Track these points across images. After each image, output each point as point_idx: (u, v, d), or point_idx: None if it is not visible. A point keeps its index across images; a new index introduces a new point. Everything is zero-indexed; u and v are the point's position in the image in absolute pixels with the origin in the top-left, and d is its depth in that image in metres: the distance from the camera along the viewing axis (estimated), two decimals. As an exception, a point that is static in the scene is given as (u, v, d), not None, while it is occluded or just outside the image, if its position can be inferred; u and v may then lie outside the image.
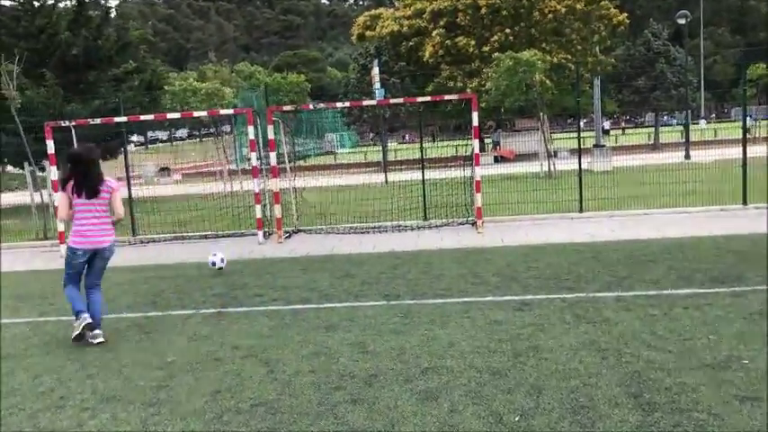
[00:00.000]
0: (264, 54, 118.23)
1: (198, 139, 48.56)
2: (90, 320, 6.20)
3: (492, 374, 4.92)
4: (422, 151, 13.09)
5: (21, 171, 18.18)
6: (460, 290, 7.47)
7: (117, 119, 12.98)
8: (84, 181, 6.19)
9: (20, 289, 9.05)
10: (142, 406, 4.70)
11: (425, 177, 13.46)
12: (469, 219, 12.42)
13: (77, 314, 6.23)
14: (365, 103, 13.05)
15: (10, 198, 22.95)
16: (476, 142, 11.55)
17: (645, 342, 5.43)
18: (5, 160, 22.21)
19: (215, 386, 5.00)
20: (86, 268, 6.34)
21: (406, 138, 55.53)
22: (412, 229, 12.24)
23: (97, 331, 6.22)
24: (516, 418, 4.21)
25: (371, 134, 55.50)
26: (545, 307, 6.60)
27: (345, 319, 6.57)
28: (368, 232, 12.27)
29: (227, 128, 28.35)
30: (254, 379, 5.09)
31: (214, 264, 9.18)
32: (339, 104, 14.74)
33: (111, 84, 21.61)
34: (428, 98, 12.28)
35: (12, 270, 10.78)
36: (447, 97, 12.14)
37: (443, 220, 12.66)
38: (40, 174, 14.97)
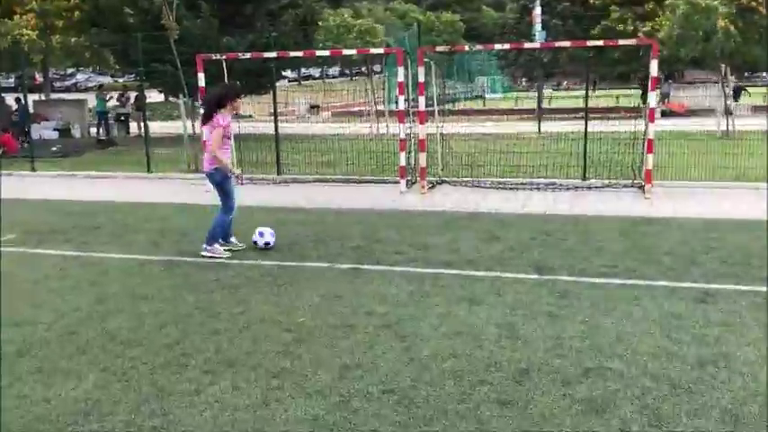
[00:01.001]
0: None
1: (349, 78, 48.67)
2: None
3: (672, 387, 4.03)
4: (586, 101, 11.80)
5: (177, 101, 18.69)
6: (627, 269, 6.47)
7: (266, 54, 12.74)
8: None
9: (164, 223, 9.08)
10: (265, 375, 4.28)
11: (590, 129, 12.17)
12: (635, 181, 11.11)
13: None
14: (527, 45, 11.91)
15: (169, 127, 23.95)
16: (652, 95, 10.15)
17: None
18: (161, 90, 23.09)
19: (345, 360, 4.48)
20: None
21: (562, 84, 52.54)
22: (568, 189, 11.14)
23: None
24: (707, 454, 3.34)
25: (524, 79, 53.06)
26: (734, 301, 5.50)
27: (491, 292, 5.84)
28: (518, 188, 11.32)
29: (377, 67, 27.86)
30: (388, 357, 4.52)
31: (256, 243, 7.37)
32: (498, 46, 13.58)
33: (267, 18, 21.61)
34: (600, 42, 10.91)
35: (160, 201, 10.95)
36: (622, 42, 10.64)
37: (605, 181, 11.42)
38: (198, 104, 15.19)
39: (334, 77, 53.42)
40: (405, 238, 7.94)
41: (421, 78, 11.04)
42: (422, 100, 11.14)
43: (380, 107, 22.36)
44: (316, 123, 23.85)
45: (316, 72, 54.74)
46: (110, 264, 7.00)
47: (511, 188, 11.34)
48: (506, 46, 12.98)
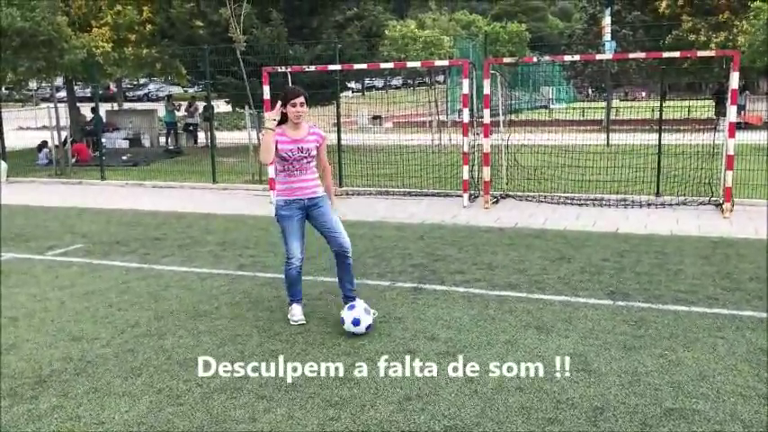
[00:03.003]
0: (485, 2, 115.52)
1: (411, 88, 48.61)
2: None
3: (766, 435, 3.65)
4: (660, 113, 11.27)
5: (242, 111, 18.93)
6: (708, 296, 6.04)
7: (331, 66, 12.70)
8: None
9: (226, 235, 9.07)
10: (322, 404, 4.09)
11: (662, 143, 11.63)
12: (712, 198, 10.54)
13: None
14: (599, 56, 11.49)
15: (236, 137, 24.31)
16: (732, 109, 9.59)
17: None
18: (228, 101, 23.49)
19: (405, 390, 4.26)
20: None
21: (630, 94, 51.06)
22: (641, 206, 10.65)
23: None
24: None
25: (590, 89, 51.89)
26: (831, 336, 5.03)
27: (561, 318, 5.52)
28: (587, 204, 10.89)
29: (440, 77, 27.65)
30: (451, 388, 4.28)
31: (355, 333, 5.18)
32: (568, 57, 13.17)
33: (334, 30, 21.71)
34: (677, 54, 10.39)
35: (223, 212, 11.00)
36: (701, 54, 10.11)
37: (680, 198, 10.87)
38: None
39: (397, 88, 53.42)
40: (468, 255, 7.68)
41: (487, 91, 10.76)
42: (487, 113, 10.85)
43: (443, 118, 22.10)
44: (377, 134, 23.78)
45: (379, 82, 54.90)
46: (170, 277, 6.98)
47: (580, 204, 10.93)
48: (577, 57, 12.62)
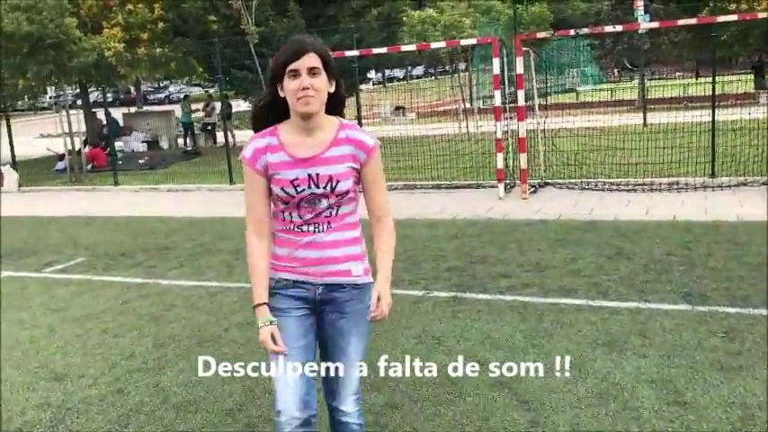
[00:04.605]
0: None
1: (433, 77, 47.49)
2: None
3: None
4: (713, 87, 10.20)
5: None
6: (806, 295, 5.08)
7: (348, 53, 11.82)
8: None
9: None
10: (349, 459, 3.25)
11: (703, 120, 10.59)
12: (776, 177, 9.50)
13: None
14: (643, 25, 10.44)
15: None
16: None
17: None
18: (245, 98, 22.75)
19: (449, 419, 3.40)
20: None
21: (655, 73, 49.40)
22: (695, 189, 9.63)
23: None
24: None
25: (617, 70, 50.35)
26: None
27: (633, 331, 4.60)
28: (635, 190, 9.90)
29: (462, 65, 26.65)
30: (506, 423, 3.40)
31: None
32: (608, 28, 12.12)
33: (351, 18, 20.89)
34: (734, 17, 9.36)
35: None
36: (762, 15, 9.08)
37: (739, 179, 9.83)
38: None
39: (418, 77, 52.35)
40: (511, 256, 6.77)
41: (520, 70, 9.81)
42: (521, 94, 9.91)
43: (468, 105, 21.16)
44: (401, 125, 22.91)
45: (400, 73, 53.91)
46: (176, 294, 6.19)
47: (628, 189, 9.93)
48: (619, 28, 11.56)
